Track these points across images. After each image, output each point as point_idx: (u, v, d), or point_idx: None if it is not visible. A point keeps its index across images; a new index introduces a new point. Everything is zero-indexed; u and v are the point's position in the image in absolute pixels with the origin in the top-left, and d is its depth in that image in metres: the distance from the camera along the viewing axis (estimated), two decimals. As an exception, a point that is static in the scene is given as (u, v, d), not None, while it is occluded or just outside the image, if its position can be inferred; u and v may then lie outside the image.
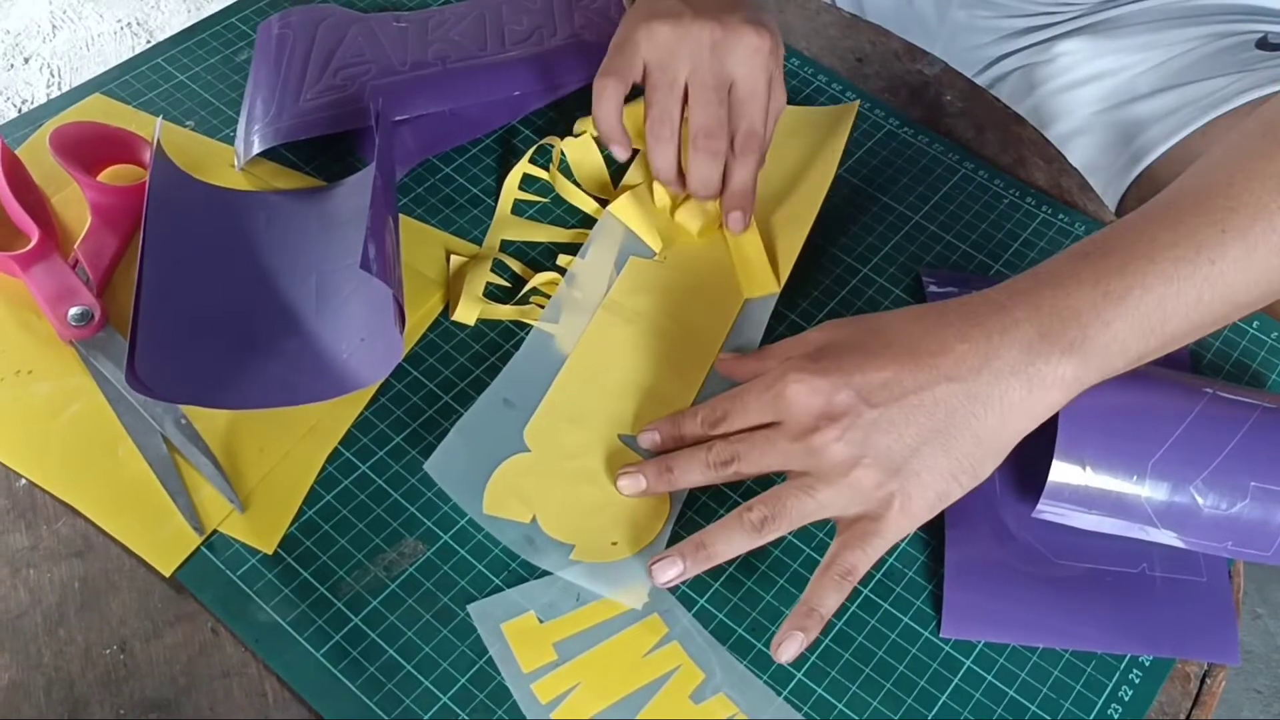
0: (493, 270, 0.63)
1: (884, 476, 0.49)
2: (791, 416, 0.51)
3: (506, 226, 0.65)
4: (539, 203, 0.67)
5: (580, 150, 0.69)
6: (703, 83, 0.61)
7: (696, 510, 0.56)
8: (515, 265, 0.64)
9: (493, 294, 0.63)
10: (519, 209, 0.67)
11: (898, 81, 0.77)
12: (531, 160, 0.68)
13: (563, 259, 0.64)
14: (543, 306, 0.62)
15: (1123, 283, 0.48)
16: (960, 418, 0.49)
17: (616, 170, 0.69)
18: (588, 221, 0.66)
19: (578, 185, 0.68)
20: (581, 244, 0.64)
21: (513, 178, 0.67)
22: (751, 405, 0.52)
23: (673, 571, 0.51)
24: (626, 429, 0.57)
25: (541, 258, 0.65)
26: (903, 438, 0.49)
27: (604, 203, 0.66)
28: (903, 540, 0.55)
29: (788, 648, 0.50)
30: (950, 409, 0.49)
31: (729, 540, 0.51)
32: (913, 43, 0.79)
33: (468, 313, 0.61)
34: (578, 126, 0.70)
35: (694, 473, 0.53)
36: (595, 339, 0.60)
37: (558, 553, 0.53)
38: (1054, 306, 0.49)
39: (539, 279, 0.62)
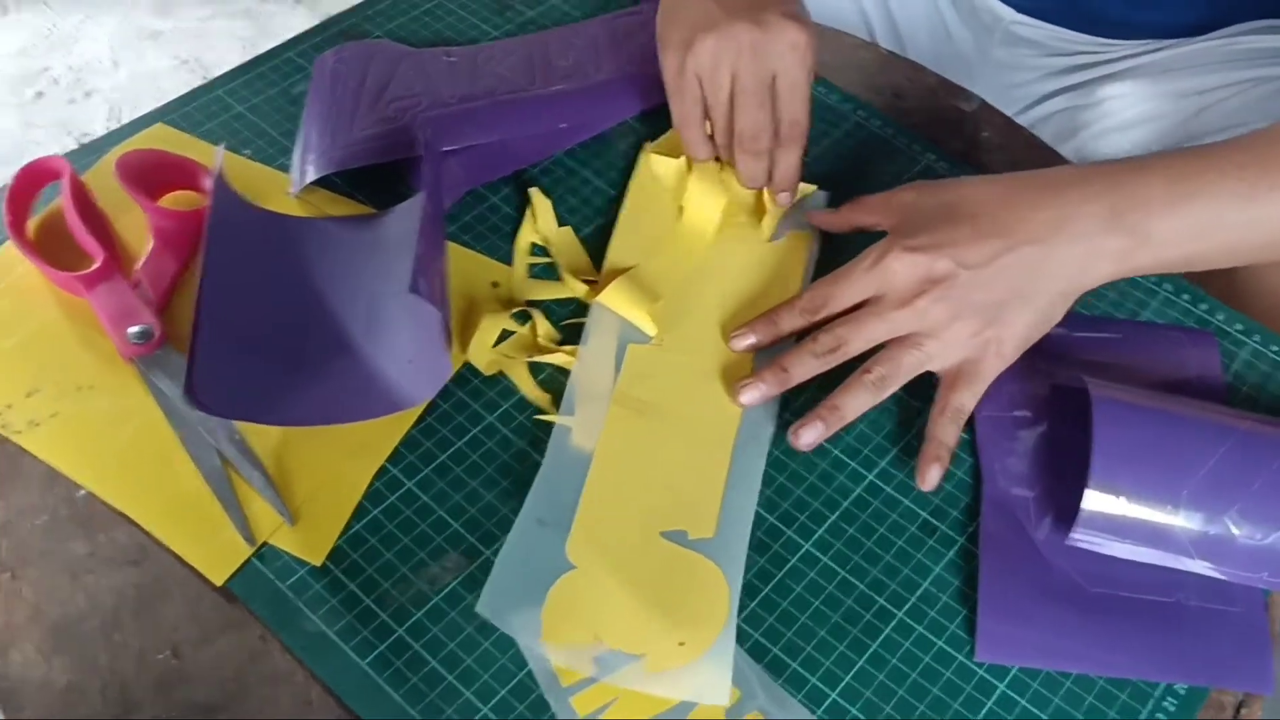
0: (513, 317, 0.64)
1: (980, 326, 0.57)
2: (894, 287, 0.58)
3: (523, 289, 0.65)
4: (551, 262, 0.67)
5: (561, 237, 0.68)
6: (744, 87, 0.65)
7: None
8: (540, 321, 0.64)
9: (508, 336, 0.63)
10: (532, 259, 0.67)
11: (935, 117, 0.78)
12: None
13: (569, 348, 0.63)
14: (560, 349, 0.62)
15: (1193, 185, 0.55)
16: (1039, 274, 0.57)
17: (596, 249, 0.68)
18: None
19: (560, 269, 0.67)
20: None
21: (522, 240, 0.68)
22: (854, 283, 0.59)
23: (815, 434, 0.58)
24: (665, 525, 0.56)
25: (569, 314, 0.65)
26: (993, 293, 0.57)
27: (592, 282, 0.66)
28: (946, 561, 0.56)
29: (930, 476, 0.57)
30: (1030, 267, 0.57)
31: (856, 399, 0.58)
32: (951, 80, 0.81)
33: (480, 359, 0.62)
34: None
35: (806, 365, 0.59)
36: (613, 438, 0.59)
37: (631, 667, 0.51)
38: (1130, 190, 0.56)
39: (554, 358, 0.62)
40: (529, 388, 0.61)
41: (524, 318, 0.64)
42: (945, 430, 0.58)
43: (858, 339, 0.59)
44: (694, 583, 0.54)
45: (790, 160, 0.68)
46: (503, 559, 0.54)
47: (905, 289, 0.58)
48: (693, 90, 0.66)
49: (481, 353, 0.62)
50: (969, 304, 0.57)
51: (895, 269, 0.58)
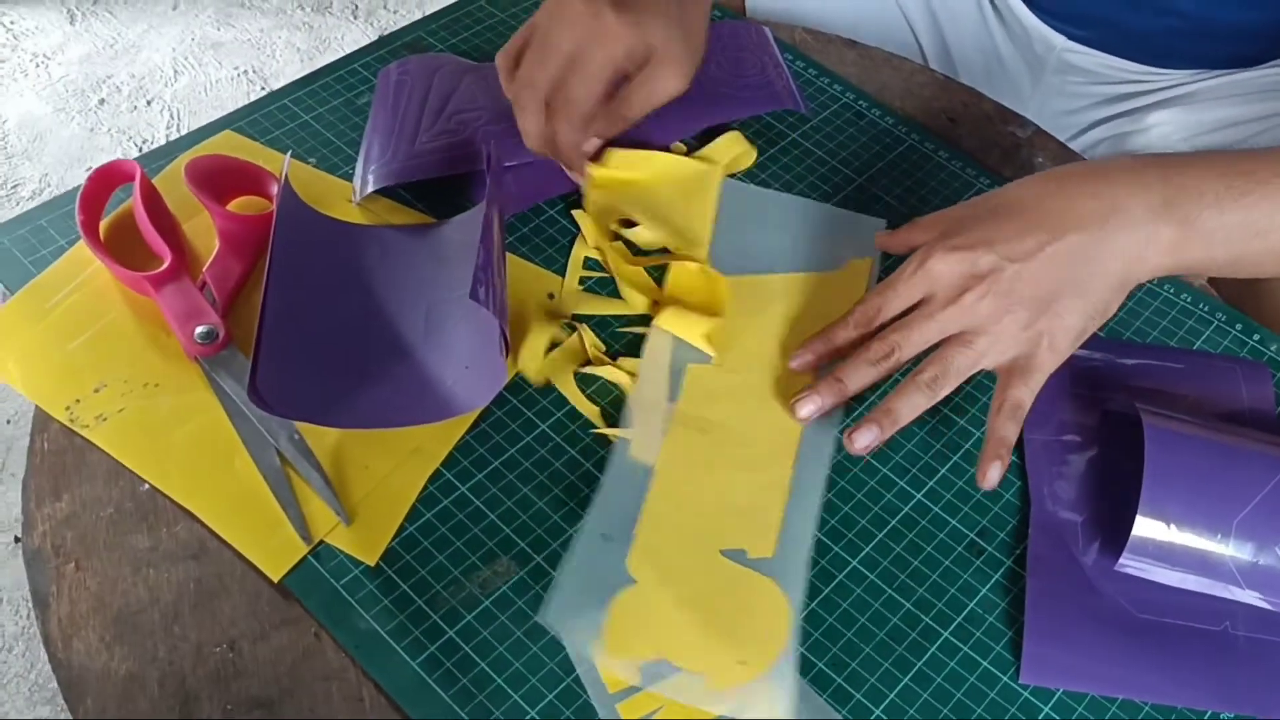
0: (563, 328, 0.65)
1: (1030, 319, 0.56)
2: (940, 286, 0.58)
3: (576, 302, 0.66)
4: (605, 276, 0.68)
5: (616, 253, 0.69)
6: (537, 43, 0.65)
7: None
8: (587, 334, 0.64)
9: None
10: (586, 273, 0.68)
11: (989, 143, 0.78)
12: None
13: (624, 361, 0.64)
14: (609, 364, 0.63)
15: (1247, 183, 0.55)
16: (1088, 264, 0.56)
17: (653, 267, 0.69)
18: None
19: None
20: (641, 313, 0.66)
21: (577, 254, 0.69)
22: (901, 289, 0.59)
23: (869, 438, 0.57)
24: (725, 544, 0.56)
25: (624, 325, 0.66)
26: (1043, 285, 0.56)
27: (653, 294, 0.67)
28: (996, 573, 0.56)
29: (991, 475, 0.56)
30: (1079, 256, 0.56)
31: (910, 401, 0.58)
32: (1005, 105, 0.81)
33: (529, 369, 0.63)
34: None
35: (861, 374, 0.59)
36: (676, 456, 0.60)
37: (692, 685, 0.51)
38: (1183, 182, 0.56)
39: (603, 371, 0.63)
40: (577, 398, 0.62)
41: (574, 330, 0.65)
42: (1004, 427, 0.57)
43: (909, 342, 0.58)
44: (754, 602, 0.55)
45: (560, 132, 0.66)
46: (566, 570, 0.55)
47: (951, 287, 0.58)
48: (522, 38, 0.67)
49: (530, 361, 0.63)
50: (1017, 297, 0.56)
51: (939, 269, 0.58)
